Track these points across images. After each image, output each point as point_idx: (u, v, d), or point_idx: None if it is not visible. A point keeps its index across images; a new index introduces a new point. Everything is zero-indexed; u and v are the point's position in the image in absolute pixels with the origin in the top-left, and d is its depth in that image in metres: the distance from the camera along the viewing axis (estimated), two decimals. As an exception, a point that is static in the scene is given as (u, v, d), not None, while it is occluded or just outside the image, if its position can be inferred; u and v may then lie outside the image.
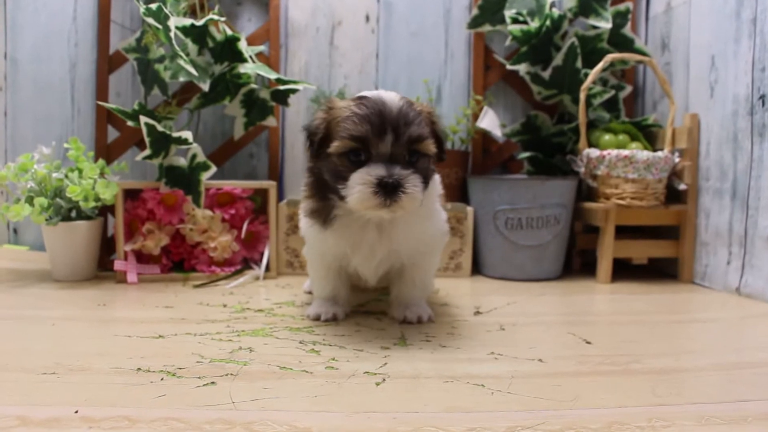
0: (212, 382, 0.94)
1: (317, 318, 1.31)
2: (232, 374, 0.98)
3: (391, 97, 1.11)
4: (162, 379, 0.95)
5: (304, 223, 1.28)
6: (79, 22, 1.98)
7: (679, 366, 1.06)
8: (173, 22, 1.59)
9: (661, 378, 0.99)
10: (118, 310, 1.42)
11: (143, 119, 1.61)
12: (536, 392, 0.91)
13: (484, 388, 0.93)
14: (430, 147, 1.12)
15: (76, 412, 0.82)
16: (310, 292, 1.51)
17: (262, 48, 1.90)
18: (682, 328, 1.33)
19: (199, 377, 0.96)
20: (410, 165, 1.10)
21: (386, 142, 1.07)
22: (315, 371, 1.00)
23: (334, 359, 1.06)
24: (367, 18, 2.07)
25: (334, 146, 1.09)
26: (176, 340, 1.16)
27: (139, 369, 0.99)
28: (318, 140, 1.14)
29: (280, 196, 2.00)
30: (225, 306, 1.44)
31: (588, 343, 1.18)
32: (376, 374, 0.98)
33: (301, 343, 1.15)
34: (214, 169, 1.71)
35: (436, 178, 1.28)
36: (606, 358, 1.09)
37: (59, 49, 1.99)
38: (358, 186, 1.07)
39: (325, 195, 1.19)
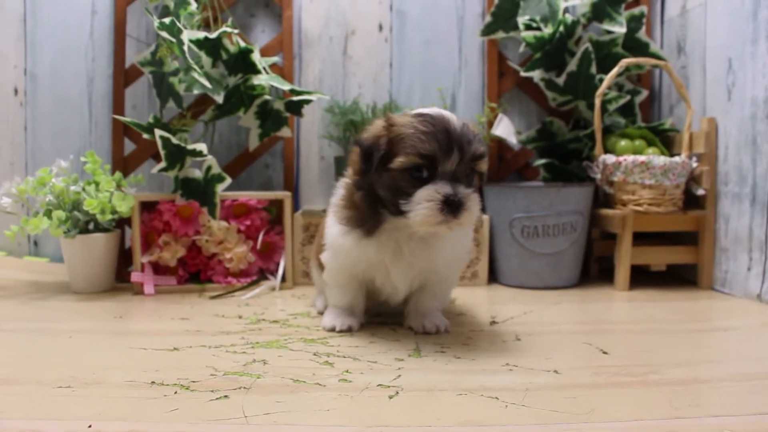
0: (225, 396, 0.94)
1: (332, 329, 1.31)
2: (245, 387, 0.98)
3: (451, 116, 1.12)
4: (176, 392, 0.96)
5: (338, 231, 1.24)
6: (95, 37, 2.01)
7: (698, 376, 1.04)
8: (186, 35, 1.60)
9: (678, 389, 0.97)
10: (135, 322, 1.43)
11: (158, 132, 1.62)
12: (551, 405, 0.90)
13: (498, 400, 0.92)
14: (485, 166, 1.15)
15: (90, 426, 0.82)
16: (322, 312, 1.46)
17: (275, 59, 1.91)
18: (701, 336, 1.31)
19: (212, 391, 0.96)
20: (469, 183, 1.13)
21: (452, 160, 1.09)
22: (328, 384, 0.99)
23: (347, 371, 1.05)
24: (380, 27, 2.07)
25: (399, 162, 1.10)
26: (191, 353, 1.16)
27: (153, 382, 1.00)
28: (374, 155, 1.13)
29: (296, 206, 2.00)
30: (240, 317, 1.44)
31: (604, 353, 1.16)
32: (389, 387, 0.98)
33: (315, 354, 1.15)
34: (228, 180, 1.72)
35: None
36: (623, 368, 1.07)
37: (77, 63, 2.02)
38: (425, 203, 1.08)
39: (374, 208, 1.19)
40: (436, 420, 0.85)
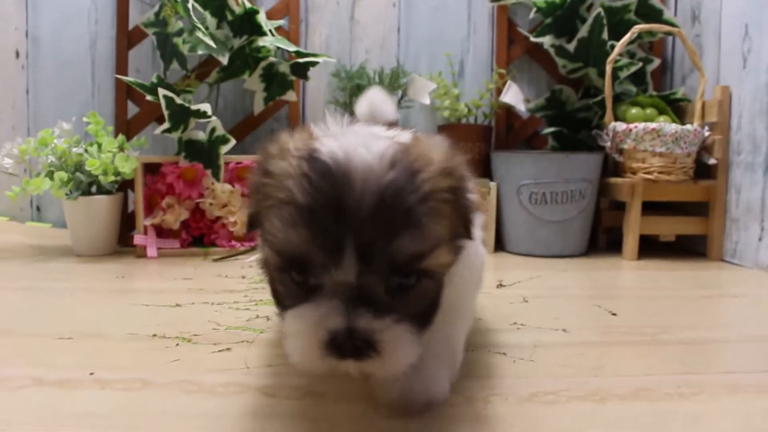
0: (227, 348, 0.93)
1: None
2: (248, 341, 0.96)
3: (366, 163, 0.57)
4: (177, 344, 0.94)
5: None
6: (99, -2, 1.98)
7: (709, 337, 1.02)
8: (191, -8, 1.57)
9: (690, 348, 0.95)
10: (137, 281, 1.42)
11: (162, 92, 1.60)
12: (560, 361, 0.88)
13: (507, 356, 0.90)
14: (443, 260, 0.62)
15: (92, 374, 0.81)
16: None
17: (281, 22, 1.88)
18: (711, 303, 1.29)
19: (214, 344, 0.95)
20: (396, 294, 0.60)
21: (346, 269, 0.57)
22: (332, 339, 0.97)
23: (352, 328, 1.04)
24: (389, -9, 2.04)
25: (269, 255, 0.62)
26: (193, 309, 1.15)
27: (154, 335, 0.98)
28: (248, 217, 0.69)
29: (300, 173, 1.98)
30: (244, 277, 1.43)
31: (613, 314, 1.14)
32: (394, 342, 0.96)
33: (319, 312, 1.13)
34: (233, 142, 1.69)
35: (477, 212, 0.72)
36: (632, 329, 1.05)
37: (79, 26, 1.99)
38: (296, 335, 0.60)
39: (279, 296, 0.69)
40: (442, 372, 0.83)
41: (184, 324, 1.05)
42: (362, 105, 1.11)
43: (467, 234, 0.67)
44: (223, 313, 1.12)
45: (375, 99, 1.10)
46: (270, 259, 0.62)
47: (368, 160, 0.57)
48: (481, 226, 0.81)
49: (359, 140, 0.60)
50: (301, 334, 0.59)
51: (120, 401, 0.73)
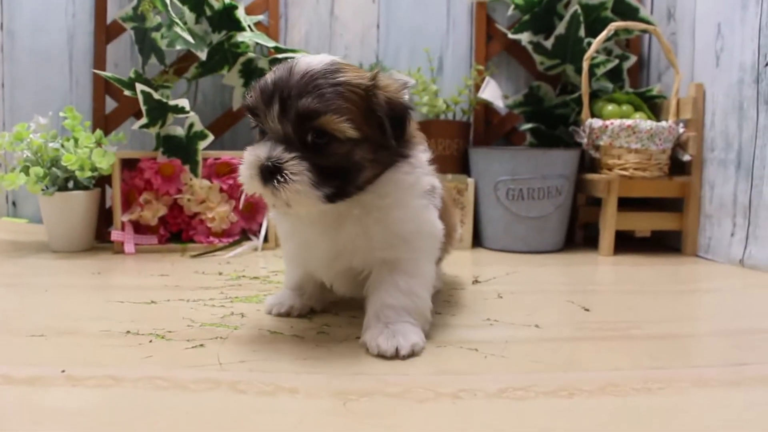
0: (201, 345, 0.93)
1: (269, 312, 1.10)
2: (221, 338, 0.96)
3: (309, 61, 0.88)
4: (150, 341, 0.94)
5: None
6: (76, -9, 1.96)
7: (680, 332, 1.04)
8: (169, -13, 1.56)
9: (660, 343, 0.97)
10: (113, 278, 1.41)
11: (139, 87, 1.59)
12: (531, 356, 0.90)
13: (478, 352, 0.91)
14: (337, 126, 0.84)
15: (63, 371, 0.80)
16: None
17: (261, 17, 1.88)
18: (684, 297, 1.31)
19: (188, 340, 0.95)
20: (312, 148, 0.85)
21: (272, 116, 0.85)
22: (306, 336, 0.98)
23: (326, 325, 1.04)
24: (368, -13, 2.04)
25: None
26: (168, 306, 1.15)
27: (128, 332, 0.98)
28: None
29: (280, 168, 1.98)
30: (221, 274, 1.43)
31: (586, 310, 1.16)
32: (368, 338, 0.97)
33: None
34: (211, 137, 1.69)
35: (407, 168, 0.95)
36: (604, 324, 1.07)
37: (57, 19, 1.97)
38: (242, 165, 0.88)
39: None
40: (412, 369, 0.84)
41: (158, 320, 1.05)
42: None
43: (385, 138, 0.89)
44: (198, 310, 1.12)
45: None
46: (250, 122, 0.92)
47: (311, 60, 0.88)
48: (437, 209, 1.01)
49: (311, 56, 0.91)
50: (244, 162, 0.88)
51: (91, 398, 0.73)
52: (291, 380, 0.79)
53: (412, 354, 0.89)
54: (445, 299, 1.22)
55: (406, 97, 0.94)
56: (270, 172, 0.84)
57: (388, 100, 0.89)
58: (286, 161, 0.83)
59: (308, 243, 0.98)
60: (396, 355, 0.88)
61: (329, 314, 1.11)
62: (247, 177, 0.87)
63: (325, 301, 1.14)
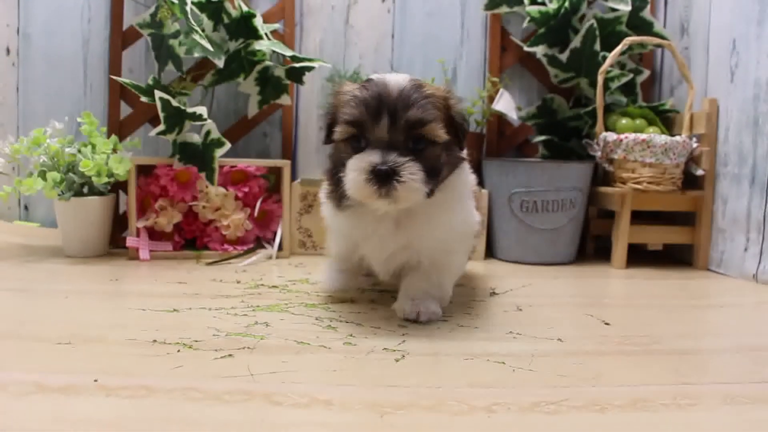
0: (230, 355, 0.93)
1: (333, 291, 1.29)
2: (249, 348, 0.97)
3: (396, 79, 1.03)
4: (178, 351, 0.94)
5: (324, 206, 1.22)
6: (92, -3, 1.97)
7: (701, 347, 1.05)
8: (189, -5, 1.57)
9: (683, 358, 0.98)
10: (131, 284, 1.42)
11: (158, 94, 1.60)
12: (558, 370, 0.90)
13: (505, 365, 0.92)
14: (437, 132, 1.02)
15: (96, 380, 0.81)
16: None
17: (276, 26, 1.89)
18: (700, 312, 1.32)
19: (216, 350, 0.95)
20: (413, 152, 1.01)
21: (382, 127, 1.00)
22: (333, 347, 0.98)
23: (351, 335, 1.05)
24: (383, -3, 2.05)
25: (337, 132, 1.05)
26: (191, 314, 1.15)
27: (154, 341, 0.99)
28: (327, 126, 1.10)
29: (293, 175, 1.99)
30: (239, 282, 1.43)
31: (606, 324, 1.16)
32: (395, 351, 0.97)
33: (317, 319, 1.14)
34: (228, 145, 1.69)
35: (465, 170, 1.19)
36: (626, 338, 1.07)
37: (72, 24, 1.98)
38: (352, 173, 1.00)
39: (339, 181, 1.08)
40: (444, 381, 0.85)
41: (183, 329, 1.05)
42: None
43: (459, 141, 1.10)
44: (222, 319, 1.12)
45: None
46: (339, 135, 1.04)
47: (398, 78, 1.04)
48: (475, 207, 1.23)
49: (392, 75, 1.06)
50: (353, 170, 1.00)
51: (126, 408, 0.73)
52: (325, 391, 0.80)
53: (429, 320, 1.13)
54: (465, 311, 1.22)
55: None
56: (387, 175, 0.97)
57: (460, 110, 1.10)
58: (403, 164, 0.98)
59: (375, 238, 1.13)
60: (417, 319, 1.12)
61: (353, 324, 1.11)
62: (360, 182, 0.99)
63: (366, 281, 1.38)
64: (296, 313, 1.18)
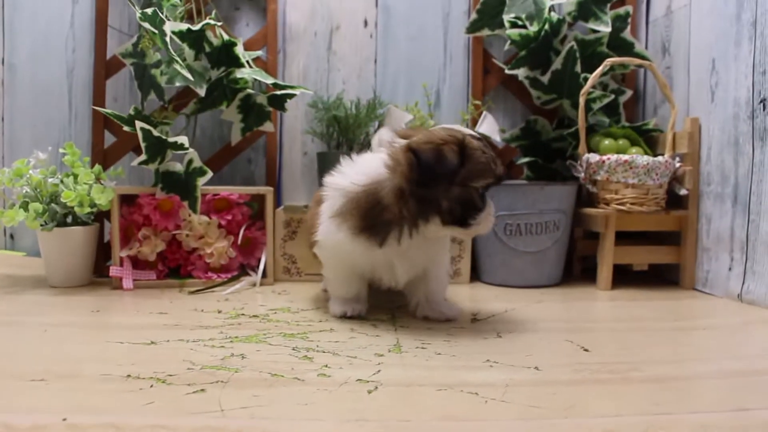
0: (202, 389, 0.92)
1: (343, 315, 1.38)
2: (222, 381, 0.96)
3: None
4: (151, 386, 0.94)
5: (346, 237, 1.26)
6: (76, 27, 1.98)
7: (679, 374, 1.04)
8: (169, 26, 1.58)
9: (660, 386, 0.97)
10: (112, 316, 1.41)
11: (139, 124, 1.60)
12: (531, 400, 0.89)
13: (478, 396, 0.91)
14: None
15: (65, 419, 0.80)
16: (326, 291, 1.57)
17: (259, 53, 1.89)
18: (682, 335, 1.31)
19: (189, 384, 0.94)
20: None
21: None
22: (307, 378, 0.98)
23: (326, 366, 1.04)
24: (366, 22, 2.06)
25: (481, 182, 1.21)
26: (168, 347, 1.14)
27: (129, 376, 0.98)
28: (450, 171, 1.18)
29: (278, 202, 1.99)
30: (220, 312, 1.43)
31: (585, 350, 1.16)
32: (368, 381, 0.97)
33: (294, 349, 1.13)
34: (210, 174, 1.69)
35: None
36: (603, 365, 1.07)
37: (57, 53, 1.99)
38: (490, 216, 1.26)
39: (385, 218, 1.22)
40: (415, 414, 0.84)
41: (158, 363, 1.04)
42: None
43: None
44: (198, 351, 1.12)
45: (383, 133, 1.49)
46: (479, 184, 1.22)
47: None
48: None
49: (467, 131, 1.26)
50: (490, 213, 1.26)
51: (92, 449, 0.73)
52: (294, 427, 0.79)
53: (455, 318, 1.38)
54: (445, 339, 1.22)
55: None
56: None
57: None
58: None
59: (409, 255, 1.28)
60: (448, 319, 1.37)
61: (329, 354, 1.11)
62: (492, 221, 1.28)
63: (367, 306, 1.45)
64: (274, 343, 1.17)
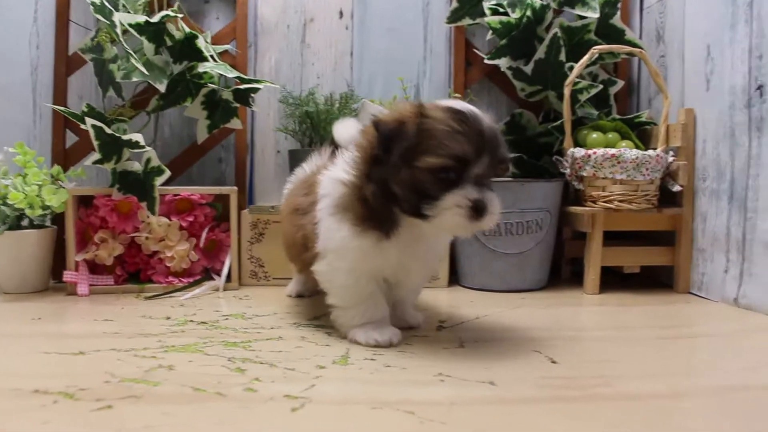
0: (109, 406, 0.82)
1: (376, 345, 1.12)
2: (135, 396, 0.86)
3: (481, 113, 1.04)
4: (55, 401, 0.84)
5: (349, 232, 1.08)
6: (40, 24, 1.89)
7: (657, 390, 0.91)
8: (119, 17, 1.49)
9: (631, 405, 0.85)
10: (52, 324, 1.31)
11: (89, 121, 1.51)
12: (475, 422, 0.78)
13: (415, 416, 0.80)
14: (509, 170, 1.10)
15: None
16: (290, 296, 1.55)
17: (227, 47, 1.80)
18: (669, 344, 1.18)
19: (97, 400, 0.85)
20: (491, 186, 1.05)
21: (482, 164, 1.01)
22: (230, 394, 0.87)
23: (257, 379, 0.93)
24: (341, 14, 1.95)
25: (428, 161, 0.99)
26: (95, 357, 1.05)
27: (37, 390, 0.88)
28: (404, 148, 1.00)
29: (250, 202, 1.89)
30: (168, 318, 1.33)
31: (553, 362, 1.04)
32: (297, 398, 0.86)
33: (229, 360, 1.03)
34: (168, 173, 1.60)
35: None
36: (570, 380, 0.95)
37: (20, 51, 1.90)
38: (455, 209, 1.00)
39: (388, 205, 1.06)
40: (335, 438, 0.73)
41: (75, 376, 0.95)
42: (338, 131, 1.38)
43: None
44: (126, 362, 1.02)
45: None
46: (428, 165, 0.99)
47: (477, 111, 1.03)
48: None
49: (466, 104, 1.04)
50: (455, 205, 0.99)
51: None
52: (187, 455, 0.69)
53: (418, 325, 1.27)
54: (400, 349, 1.11)
55: None
56: (482, 209, 1.00)
57: None
58: (493, 199, 1.02)
59: (419, 253, 1.13)
60: (411, 326, 1.26)
61: (266, 365, 1.00)
62: (460, 217, 1.00)
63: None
64: (210, 353, 1.07)
